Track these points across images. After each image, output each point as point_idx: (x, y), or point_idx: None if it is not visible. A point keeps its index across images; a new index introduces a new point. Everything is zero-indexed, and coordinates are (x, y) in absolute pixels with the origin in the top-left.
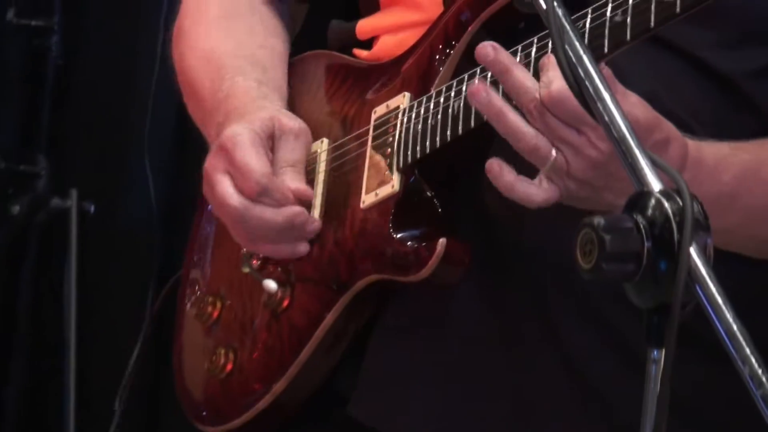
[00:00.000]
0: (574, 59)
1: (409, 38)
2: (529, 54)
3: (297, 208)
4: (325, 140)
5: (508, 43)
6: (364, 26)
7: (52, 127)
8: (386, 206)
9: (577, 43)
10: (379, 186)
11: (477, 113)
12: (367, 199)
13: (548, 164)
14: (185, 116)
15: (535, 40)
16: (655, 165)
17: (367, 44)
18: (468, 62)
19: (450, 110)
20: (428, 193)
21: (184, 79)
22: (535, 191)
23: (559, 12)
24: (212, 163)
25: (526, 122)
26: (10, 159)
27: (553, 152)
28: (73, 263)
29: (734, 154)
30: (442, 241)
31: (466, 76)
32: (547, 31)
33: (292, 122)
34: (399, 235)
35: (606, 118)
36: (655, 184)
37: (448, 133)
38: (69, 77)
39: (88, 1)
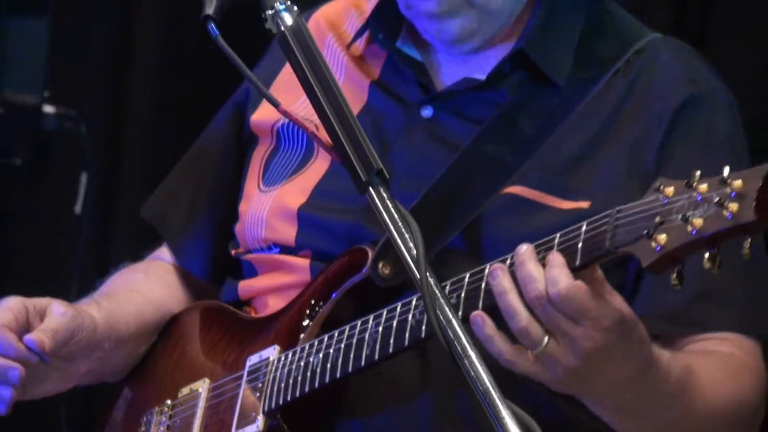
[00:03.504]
0: (444, 322)
1: (285, 297)
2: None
3: None
4: (207, 380)
5: (366, 304)
6: (245, 288)
7: None
8: None
9: (446, 308)
10: (247, 425)
11: (332, 370)
12: None
13: (539, 349)
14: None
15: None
16: (514, 414)
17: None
18: (332, 323)
19: (310, 365)
20: None
21: None
22: (507, 349)
23: (431, 281)
24: None
25: (524, 306)
26: None
27: (545, 339)
28: None
29: (674, 358)
30: None
31: (326, 336)
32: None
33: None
34: None
35: (472, 374)
36: (515, 430)
37: (307, 386)
38: None
39: None
